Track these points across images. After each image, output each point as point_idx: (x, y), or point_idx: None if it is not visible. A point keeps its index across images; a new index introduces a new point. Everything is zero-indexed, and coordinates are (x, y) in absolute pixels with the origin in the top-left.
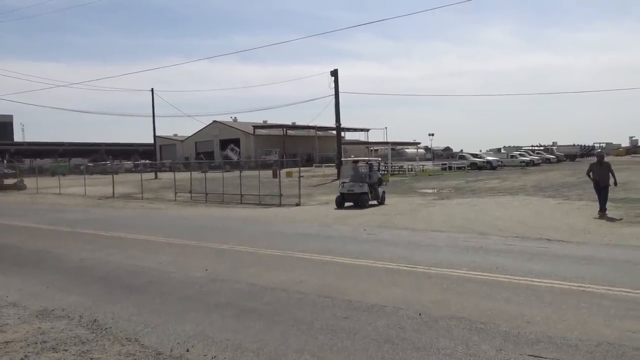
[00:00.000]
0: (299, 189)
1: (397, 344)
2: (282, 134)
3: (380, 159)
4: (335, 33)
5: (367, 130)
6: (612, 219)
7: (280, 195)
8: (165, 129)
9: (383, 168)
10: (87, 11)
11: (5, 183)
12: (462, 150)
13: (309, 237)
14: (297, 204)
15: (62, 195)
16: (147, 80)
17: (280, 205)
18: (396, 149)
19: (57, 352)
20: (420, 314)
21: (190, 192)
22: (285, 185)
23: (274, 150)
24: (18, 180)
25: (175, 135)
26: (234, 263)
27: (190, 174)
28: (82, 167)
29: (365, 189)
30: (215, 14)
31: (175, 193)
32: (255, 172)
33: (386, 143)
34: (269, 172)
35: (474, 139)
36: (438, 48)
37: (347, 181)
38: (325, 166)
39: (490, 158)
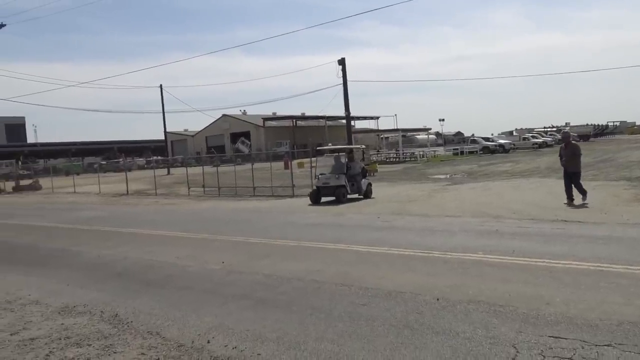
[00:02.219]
0: (311, 179)
1: (416, 329)
2: (291, 125)
3: (364, 146)
4: (340, 22)
5: (377, 118)
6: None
7: (293, 186)
8: (176, 125)
9: (391, 154)
10: (91, 10)
11: (21, 184)
12: (473, 135)
13: (323, 226)
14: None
15: (77, 194)
16: (154, 77)
17: (292, 196)
18: (407, 136)
19: (81, 347)
20: (438, 299)
21: (203, 186)
22: (297, 175)
23: (285, 141)
24: (33, 180)
25: (186, 130)
26: (249, 255)
27: (202, 168)
28: (95, 166)
29: (343, 181)
30: (217, 9)
31: (189, 188)
32: (266, 164)
33: (396, 130)
34: (281, 164)
35: (485, 122)
36: (444, 33)
37: (324, 173)
38: None
39: (502, 141)
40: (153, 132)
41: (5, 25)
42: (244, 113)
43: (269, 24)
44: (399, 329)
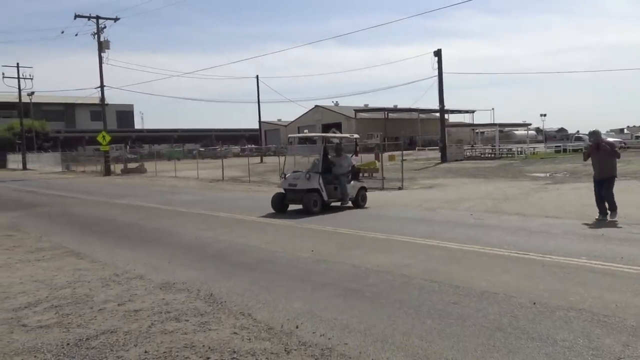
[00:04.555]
0: (402, 173)
1: (509, 332)
2: (383, 117)
3: (356, 136)
4: (437, 12)
5: (473, 112)
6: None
7: (383, 178)
8: (270, 115)
9: (487, 150)
10: (195, 2)
11: (129, 167)
12: (578, 132)
13: (413, 220)
14: (400, 188)
15: (178, 178)
16: (251, 67)
17: (382, 189)
18: (504, 131)
19: (179, 322)
20: (534, 303)
21: None
22: (388, 169)
23: (376, 133)
24: (139, 164)
25: (279, 120)
26: (338, 245)
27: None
28: (194, 152)
29: (315, 183)
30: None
31: (280, 176)
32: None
33: (493, 125)
34: (371, 156)
35: (592, 119)
36: (549, 21)
37: (297, 170)
38: (428, 149)
39: (611, 139)
40: (248, 121)
41: (119, 18)
42: (336, 104)
43: (364, 15)
44: (491, 331)
